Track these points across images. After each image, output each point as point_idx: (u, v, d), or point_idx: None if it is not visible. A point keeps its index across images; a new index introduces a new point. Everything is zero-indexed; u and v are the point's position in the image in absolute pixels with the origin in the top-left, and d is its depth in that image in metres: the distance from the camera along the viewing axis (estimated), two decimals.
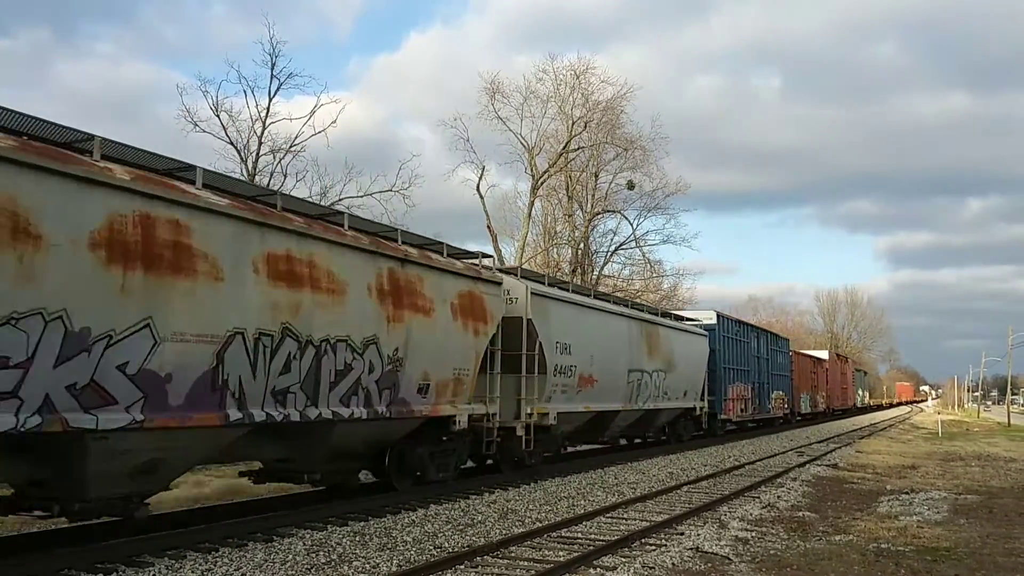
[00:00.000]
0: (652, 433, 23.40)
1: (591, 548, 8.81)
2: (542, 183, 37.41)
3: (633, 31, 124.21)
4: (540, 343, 14.51)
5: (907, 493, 14.82)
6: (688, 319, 25.14)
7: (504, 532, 9.75)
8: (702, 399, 24.70)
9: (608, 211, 39.71)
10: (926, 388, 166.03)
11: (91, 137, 7.53)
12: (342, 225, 10.43)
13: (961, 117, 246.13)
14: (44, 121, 7.39)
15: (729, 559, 8.68)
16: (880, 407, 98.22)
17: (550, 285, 16.34)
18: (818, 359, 46.78)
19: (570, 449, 21.24)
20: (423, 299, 11.34)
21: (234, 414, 8.39)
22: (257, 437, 9.23)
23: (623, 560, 8.51)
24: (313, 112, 26.36)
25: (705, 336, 25.13)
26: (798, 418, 40.02)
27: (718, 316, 27.65)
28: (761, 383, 32.08)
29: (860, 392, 68.36)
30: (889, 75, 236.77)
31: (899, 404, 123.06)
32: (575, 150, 37.91)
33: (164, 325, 7.48)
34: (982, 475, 18.82)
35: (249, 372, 8.51)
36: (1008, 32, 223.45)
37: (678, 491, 14.08)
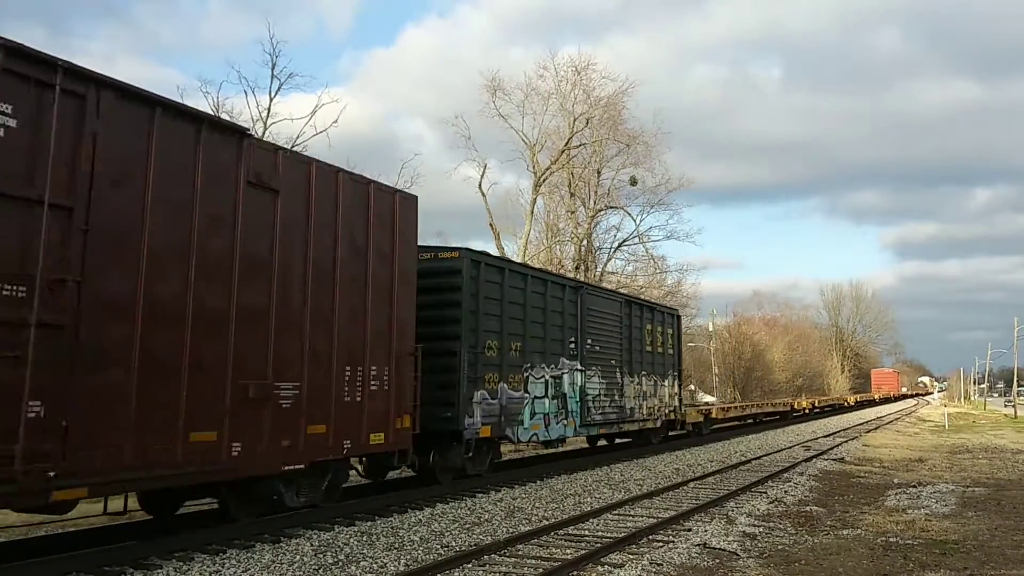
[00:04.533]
0: None
1: (598, 545, 8.80)
2: (544, 180, 37.34)
3: (632, 21, 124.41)
4: None
5: (914, 486, 14.78)
6: None
7: (511, 530, 9.74)
8: None
9: (611, 207, 39.64)
10: (925, 380, 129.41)
11: None
12: None
13: (968, 105, 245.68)
14: None
15: (737, 555, 8.67)
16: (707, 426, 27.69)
17: None
18: None
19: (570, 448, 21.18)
20: None
21: None
22: None
23: (631, 557, 8.50)
24: (314, 112, 26.26)
25: None
26: None
27: None
28: None
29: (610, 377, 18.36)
30: (892, 63, 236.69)
31: (863, 404, 62.17)
32: (577, 147, 37.83)
33: None
34: (990, 467, 18.77)
35: None
36: (1016, 17, 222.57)
37: (685, 487, 14.07)
